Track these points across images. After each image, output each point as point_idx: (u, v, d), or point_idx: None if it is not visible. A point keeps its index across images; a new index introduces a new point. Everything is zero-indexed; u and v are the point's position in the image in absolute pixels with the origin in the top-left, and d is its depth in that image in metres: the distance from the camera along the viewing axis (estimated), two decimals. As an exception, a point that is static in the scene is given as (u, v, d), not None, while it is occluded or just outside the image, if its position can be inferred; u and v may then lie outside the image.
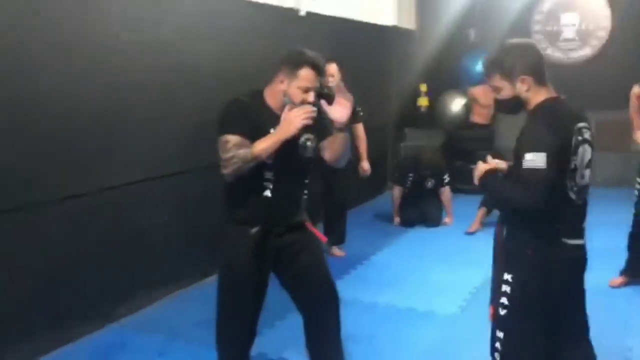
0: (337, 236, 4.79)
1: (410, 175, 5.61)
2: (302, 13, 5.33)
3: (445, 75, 7.58)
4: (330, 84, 4.46)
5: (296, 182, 2.41)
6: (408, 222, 5.63)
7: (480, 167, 2.18)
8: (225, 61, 4.35)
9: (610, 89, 6.77)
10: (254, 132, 2.21)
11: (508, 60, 2.08)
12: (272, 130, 2.24)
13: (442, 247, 5.00)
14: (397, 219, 5.71)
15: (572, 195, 2.06)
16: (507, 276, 2.12)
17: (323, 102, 2.31)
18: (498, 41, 7.18)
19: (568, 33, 7.08)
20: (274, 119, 2.28)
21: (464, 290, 3.98)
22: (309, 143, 2.36)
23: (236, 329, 2.45)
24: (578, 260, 2.15)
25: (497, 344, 2.16)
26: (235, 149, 2.15)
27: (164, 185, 3.91)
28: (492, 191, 2.21)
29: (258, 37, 4.69)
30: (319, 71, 2.27)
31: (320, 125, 2.39)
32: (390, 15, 7.27)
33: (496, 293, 2.21)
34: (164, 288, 3.97)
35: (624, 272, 3.98)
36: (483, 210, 5.41)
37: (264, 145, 2.19)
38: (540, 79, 2.08)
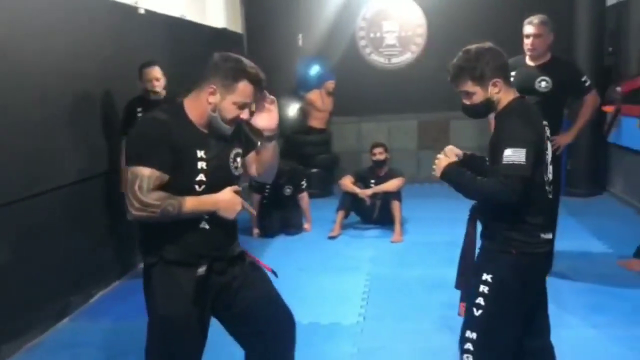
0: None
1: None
2: (141, 11, 4.81)
3: (279, 80, 7.48)
4: (157, 89, 4.10)
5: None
6: (269, 232, 5.41)
7: (442, 160, 2.15)
8: (65, 60, 3.70)
9: (431, 92, 7.33)
10: (176, 157, 1.86)
11: (479, 65, 2.06)
12: (198, 152, 1.90)
13: (314, 255, 4.87)
14: (256, 231, 5.44)
15: (548, 189, 2.10)
16: (487, 277, 2.08)
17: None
18: (327, 47, 7.47)
19: (389, 39, 7.49)
20: (199, 138, 1.92)
21: (356, 297, 3.89)
22: (238, 159, 2.08)
23: None
24: (549, 254, 2.18)
25: (468, 345, 2.10)
26: (160, 196, 1.81)
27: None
28: (460, 184, 2.09)
29: (97, 34, 4.11)
30: (259, 86, 1.96)
31: (244, 138, 2.13)
32: (219, 18, 6.97)
33: (465, 290, 2.18)
34: (8, 344, 3.22)
35: None
36: (342, 213, 5.42)
37: (196, 208, 1.88)
38: (508, 80, 2.11)
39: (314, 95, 7.01)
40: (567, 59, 3.99)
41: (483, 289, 2.07)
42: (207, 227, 1.94)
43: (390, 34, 7.49)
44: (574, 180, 6.49)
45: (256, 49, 7.66)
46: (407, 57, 7.47)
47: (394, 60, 7.51)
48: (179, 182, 1.86)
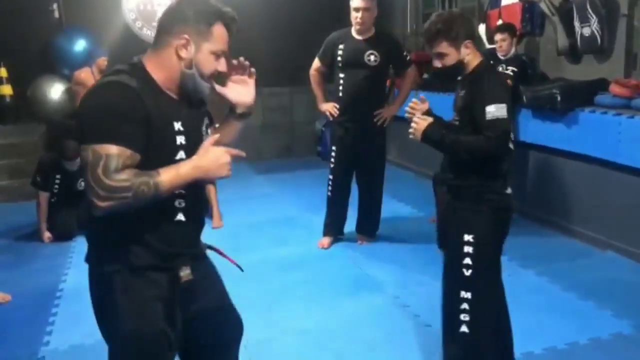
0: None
1: (58, 176, 4.57)
2: None
3: (33, 57, 6.39)
4: None
5: (201, 195, 1.79)
6: (65, 234, 4.59)
7: (421, 123, 2.17)
8: None
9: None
10: (150, 132, 1.48)
11: (455, 27, 2.13)
12: (175, 125, 1.54)
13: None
14: (47, 235, 4.57)
15: (512, 147, 2.18)
16: (468, 237, 2.15)
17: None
18: (91, 19, 6.57)
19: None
20: (173, 107, 1.55)
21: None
22: (209, 131, 1.75)
23: None
24: (512, 208, 2.27)
25: (465, 305, 2.17)
26: (129, 176, 1.42)
27: None
28: (445, 144, 2.16)
29: None
30: (231, 30, 1.62)
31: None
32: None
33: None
34: None
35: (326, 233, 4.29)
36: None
37: (176, 180, 1.48)
38: (476, 44, 2.18)
39: (85, 74, 6.07)
40: (390, 34, 4.17)
41: (467, 249, 2.15)
42: (183, 219, 1.59)
43: (163, 8, 6.92)
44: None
45: (1, 20, 6.38)
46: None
47: (169, 35, 6.99)
48: (155, 163, 1.47)
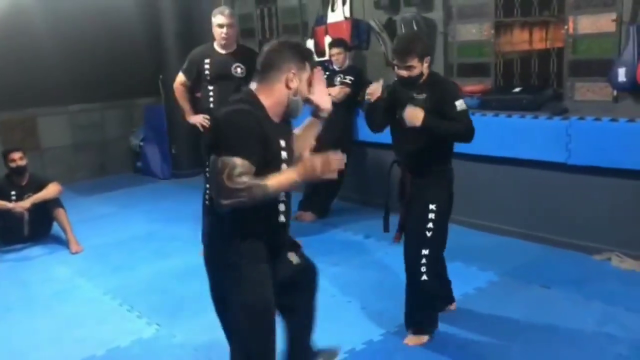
0: None
1: None
2: None
3: None
4: None
5: (290, 204, 2.12)
6: None
7: (418, 111, 2.61)
8: None
9: (11, 86, 6.41)
10: (265, 149, 1.88)
11: (421, 46, 2.68)
12: (281, 142, 1.95)
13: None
14: None
15: None
16: (432, 206, 2.71)
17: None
18: None
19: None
20: (277, 128, 1.96)
21: (124, 315, 3.48)
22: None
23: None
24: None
25: (424, 260, 2.73)
26: (246, 180, 1.78)
27: None
28: (440, 128, 2.64)
29: None
30: (311, 61, 2.07)
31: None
32: None
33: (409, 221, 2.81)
34: None
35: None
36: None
37: (281, 185, 1.88)
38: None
39: None
40: (250, 48, 4.43)
41: (431, 216, 2.69)
42: (283, 220, 2.02)
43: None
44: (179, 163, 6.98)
45: None
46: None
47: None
48: (266, 173, 1.85)
